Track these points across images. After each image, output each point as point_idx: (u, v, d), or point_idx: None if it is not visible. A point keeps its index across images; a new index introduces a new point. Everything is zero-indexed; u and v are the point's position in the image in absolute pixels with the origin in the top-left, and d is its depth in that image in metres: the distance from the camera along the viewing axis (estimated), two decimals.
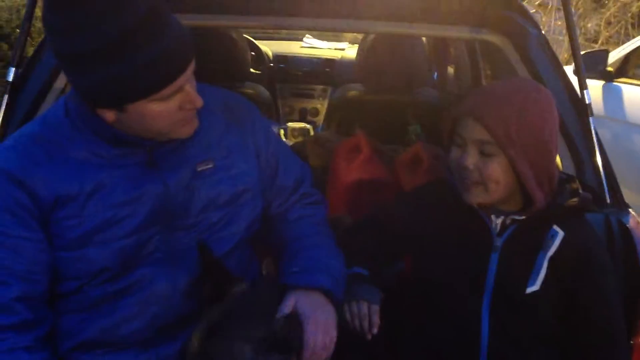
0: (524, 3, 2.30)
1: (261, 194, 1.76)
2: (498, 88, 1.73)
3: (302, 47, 5.11)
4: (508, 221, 1.71)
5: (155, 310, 1.60)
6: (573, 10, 2.21)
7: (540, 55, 2.17)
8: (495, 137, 1.60)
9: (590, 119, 2.09)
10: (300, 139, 3.34)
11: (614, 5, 9.68)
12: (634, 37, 5.50)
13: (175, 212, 1.60)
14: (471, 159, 1.65)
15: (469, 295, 1.71)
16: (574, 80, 2.18)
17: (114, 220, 1.55)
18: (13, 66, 2.13)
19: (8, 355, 1.48)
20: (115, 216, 1.55)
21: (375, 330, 1.65)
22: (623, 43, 5.39)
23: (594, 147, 2.07)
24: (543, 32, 2.26)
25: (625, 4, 9.62)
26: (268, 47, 4.71)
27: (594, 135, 2.08)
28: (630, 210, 2.01)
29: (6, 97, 2.10)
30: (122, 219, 1.55)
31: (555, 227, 1.68)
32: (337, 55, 4.87)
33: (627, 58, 4.76)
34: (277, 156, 1.80)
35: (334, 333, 1.57)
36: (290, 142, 3.14)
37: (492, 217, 1.72)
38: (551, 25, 9.48)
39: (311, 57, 4.80)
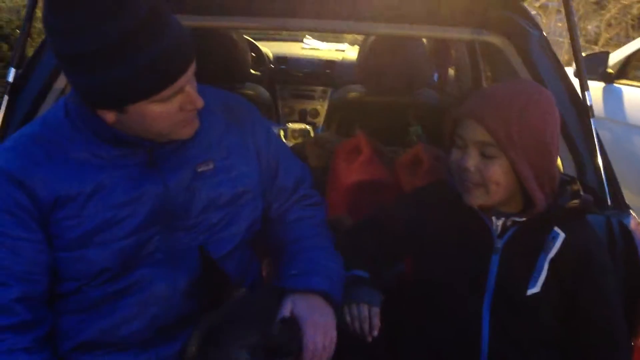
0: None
1: (262, 195, 1.75)
2: (499, 90, 1.73)
3: (302, 48, 5.11)
4: (509, 223, 1.71)
5: (155, 311, 1.60)
6: (573, 11, 2.21)
7: (541, 57, 2.17)
8: (496, 139, 1.60)
9: (592, 120, 2.09)
10: (300, 140, 3.34)
11: (614, 7, 9.69)
12: (634, 38, 5.50)
13: (175, 213, 1.60)
14: (472, 161, 1.64)
15: (469, 296, 1.71)
16: (575, 81, 2.18)
17: (113, 220, 1.54)
18: (13, 67, 2.13)
19: (7, 356, 1.47)
20: (115, 217, 1.54)
21: (375, 333, 1.64)
22: (623, 45, 5.39)
23: (595, 148, 2.07)
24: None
25: (625, 6, 9.64)
26: (268, 48, 4.71)
27: (595, 137, 2.07)
28: (631, 211, 2.01)
29: (6, 97, 2.10)
30: (122, 220, 1.55)
31: (556, 228, 1.68)
32: (337, 56, 4.87)
33: (627, 60, 4.77)
34: (278, 157, 1.80)
35: (333, 334, 1.57)
36: (290, 143, 3.13)
37: (493, 218, 1.72)
38: (551, 26, 9.49)
39: (311, 58, 4.80)
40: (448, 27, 2.27)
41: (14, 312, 1.50)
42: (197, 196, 1.62)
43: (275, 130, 3.20)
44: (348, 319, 1.66)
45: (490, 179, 1.64)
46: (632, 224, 1.94)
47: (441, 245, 1.77)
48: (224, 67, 3.30)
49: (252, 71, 4.06)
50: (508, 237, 1.71)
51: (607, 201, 2.01)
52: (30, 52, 2.43)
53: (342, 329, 1.62)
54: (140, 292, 1.58)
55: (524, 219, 1.69)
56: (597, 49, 8.81)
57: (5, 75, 2.14)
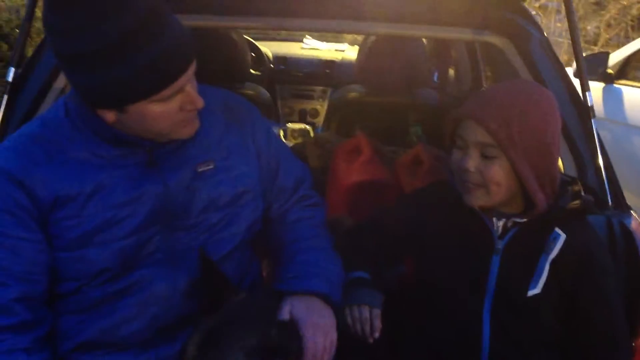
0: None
1: (262, 195, 1.75)
2: (500, 90, 1.73)
3: (302, 48, 5.11)
4: (509, 224, 1.71)
5: (154, 311, 1.60)
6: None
7: (542, 57, 2.17)
8: (497, 140, 1.59)
9: (592, 121, 2.09)
10: (299, 140, 3.34)
11: (614, 8, 9.69)
12: (633, 39, 5.50)
13: (175, 213, 1.60)
14: (472, 162, 1.64)
15: (470, 297, 1.71)
16: (575, 82, 2.18)
17: (113, 220, 1.54)
18: (13, 66, 2.12)
19: (7, 356, 1.47)
20: (115, 216, 1.54)
21: (377, 335, 1.64)
22: (623, 45, 5.39)
23: (596, 149, 2.07)
24: None
25: (625, 6, 9.64)
26: (268, 48, 4.70)
27: (596, 138, 2.07)
28: (632, 212, 2.01)
29: (6, 97, 2.10)
30: (122, 220, 1.55)
31: (557, 229, 1.67)
32: (337, 56, 4.87)
33: (627, 60, 4.76)
34: (278, 157, 1.80)
35: (333, 335, 1.56)
36: (289, 143, 3.13)
37: (494, 219, 1.72)
38: (550, 27, 9.49)
39: (311, 58, 4.80)
40: (449, 27, 2.27)
41: (13, 312, 1.50)
42: (197, 196, 1.62)
43: (275, 130, 3.20)
44: (349, 320, 1.66)
45: (491, 179, 1.63)
46: (633, 225, 1.94)
47: (442, 246, 1.77)
48: (223, 67, 3.30)
49: (252, 71, 4.06)
50: (509, 238, 1.70)
51: (607, 202, 2.01)
52: (29, 51, 2.43)
53: (343, 330, 1.61)
54: (140, 292, 1.58)
55: (524, 219, 1.69)
56: (596, 49, 8.81)
57: (5, 75, 2.14)
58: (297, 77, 4.65)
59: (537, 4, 9.44)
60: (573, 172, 2.06)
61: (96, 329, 1.58)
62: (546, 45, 2.20)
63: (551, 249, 1.65)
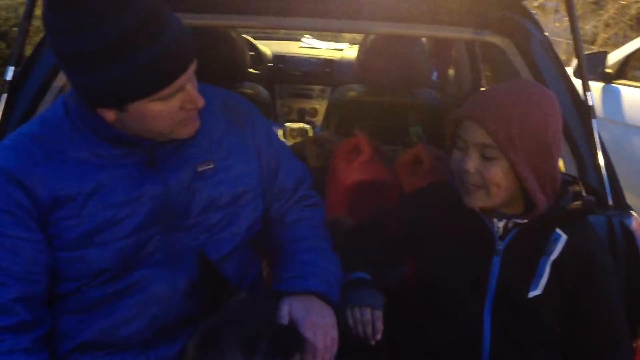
0: None
1: (262, 195, 1.75)
2: (500, 91, 1.72)
3: (301, 47, 5.10)
4: (510, 224, 1.70)
5: (154, 311, 1.59)
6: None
7: (542, 57, 2.17)
8: (497, 141, 1.59)
9: (593, 120, 2.08)
10: (298, 139, 3.33)
11: (612, 7, 9.70)
12: (632, 39, 5.50)
13: (175, 213, 1.59)
14: (472, 163, 1.63)
15: (470, 298, 1.70)
16: (574, 82, 2.18)
17: (113, 220, 1.54)
18: (12, 65, 2.12)
19: (7, 357, 1.47)
20: (115, 216, 1.54)
21: (379, 336, 1.63)
22: (621, 45, 5.39)
23: (597, 149, 2.06)
24: None
25: (623, 6, 9.65)
26: (267, 47, 4.70)
27: (596, 138, 2.07)
28: (632, 212, 2.01)
29: (5, 96, 2.09)
30: (122, 219, 1.54)
31: (558, 230, 1.66)
32: (336, 55, 4.87)
33: (626, 60, 4.76)
34: (278, 157, 1.80)
35: (334, 334, 1.56)
36: (288, 143, 3.13)
37: (494, 220, 1.71)
38: (549, 26, 9.50)
39: (310, 58, 4.79)
40: (449, 26, 2.26)
41: (13, 313, 1.49)
42: (197, 196, 1.61)
43: (274, 130, 3.20)
44: (350, 322, 1.65)
45: (491, 181, 1.63)
46: (634, 225, 1.94)
47: (442, 247, 1.76)
48: (222, 66, 3.29)
49: (251, 70, 4.06)
50: (509, 239, 1.70)
51: (608, 202, 2.00)
52: (28, 50, 2.42)
53: (345, 332, 1.61)
54: (140, 292, 1.58)
55: (525, 220, 1.68)
56: (595, 49, 8.81)
57: (4, 74, 2.13)
58: (296, 76, 4.65)
59: (535, 4, 9.44)
60: (573, 172, 2.06)
61: (96, 329, 1.58)
62: (547, 44, 2.20)
63: (552, 250, 1.65)
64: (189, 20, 2.11)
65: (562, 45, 8.53)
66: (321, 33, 5.18)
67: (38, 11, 1.96)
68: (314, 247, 1.74)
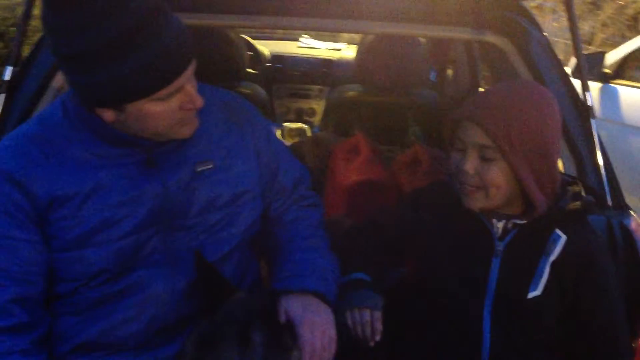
0: None
1: (261, 195, 1.74)
2: (499, 91, 1.71)
3: (299, 47, 5.10)
4: (509, 225, 1.70)
5: (153, 312, 1.59)
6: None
7: (542, 57, 2.17)
8: (496, 142, 1.58)
9: (592, 121, 2.08)
10: (297, 139, 3.34)
11: (610, 7, 9.70)
12: (629, 39, 5.50)
13: (174, 213, 1.59)
14: (471, 164, 1.63)
15: (470, 299, 1.70)
16: (573, 82, 2.18)
17: (112, 220, 1.53)
18: (10, 65, 2.11)
19: (5, 358, 1.46)
20: (114, 216, 1.53)
21: (378, 338, 1.63)
22: (618, 45, 5.39)
23: (596, 149, 2.06)
24: None
25: (621, 6, 9.65)
26: (265, 47, 4.70)
27: (595, 138, 2.07)
28: (631, 212, 2.00)
29: (3, 95, 2.09)
30: (121, 220, 1.54)
31: (557, 231, 1.66)
32: (334, 55, 4.86)
33: (624, 60, 4.77)
34: (277, 157, 1.79)
35: (332, 333, 1.56)
36: (287, 143, 3.12)
37: (493, 220, 1.71)
38: (546, 27, 9.50)
39: (309, 57, 4.78)
40: (448, 26, 2.26)
41: (10, 314, 1.49)
42: (196, 196, 1.61)
43: (273, 130, 3.20)
44: (350, 323, 1.65)
45: (490, 182, 1.62)
46: (633, 225, 1.94)
47: (441, 248, 1.76)
48: (220, 66, 3.29)
49: (249, 70, 4.05)
50: (509, 240, 1.69)
51: (607, 202, 2.00)
52: (26, 50, 2.42)
53: (344, 332, 1.60)
54: (138, 293, 1.57)
55: (524, 221, 1.68)
56: (592, 49, 8.82)
57: (2, 74, 2.12)
58: (294, 76, 4.64)
59: (533, 4, 9.44)
60: (573, 172, 2.06)
61: (94, 330, 1.57)
62: (546, 44, 2.20)
63: (552, 251, 1.65)
64: (187, 20, 2.09)
65: (560, 45, 8.54)
66: (319, 33, 5.17)
67: (36, 11, 1.95)
68: (312, 247, 1.74)
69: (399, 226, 1.85)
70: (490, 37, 2.23)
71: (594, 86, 4.72)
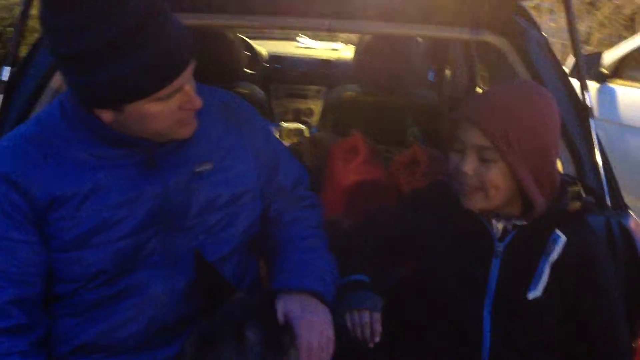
0: None
1: (261, 195, 1.74)
2: (497, 92, 1.71)
3: (297, 47, 5.10)
4: (509, 226, 1.69)
5: (153, 313, 1.59)
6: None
7: (540, 56, 2.17)
8: (494, 143, 1.57)
9: (591, 120, 2.08)
10: (294, 139, 3.33)
11: (607, 7, 9.71)
12: (626, 39, 5.50)
13: (174, 213, 1.59)
14: (470, 165, 1.62)
15: (470, 300, 1.70)
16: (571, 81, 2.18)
17: (111, 221, 1.53)
18: (7, 65, 2.11)
19: (3, 359, 1.46)
20: (113, 217, 1.53)
21: (377, 339, 1.63)
22: (615, 45, 5.40)
23: (594, 149, 2.06)
24: None
25: (618, 6, 9.66)
26: (263, 47, 4.69)
27: (594, 137, 2.06)
28: (630, 211, 2.00)
29: (0, 96, 2.08)
30: (120, 220, 1.54)
31: (557, 231, 1.65)
32: (332, 55, 4.86)
33: (621, 60, 4.77)
34: (277, 157, 1.79)
35: (329, 333, 1.55)
36: (285, 143, 3.12)
37: (493, 221, 1.70)
38: (543, 27, 9.49)
39: (306, 58, 4.79)
40: (446, 26, 2.26)
41: (9, 315, 1.49)
42: (196, 197, 1.61)
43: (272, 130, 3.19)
44: (349, 325, 1.65)
45: (489, 183, 1.62)
46: (632, 224, 1.93)
47: (441, 248, 1.75)
48: (217, 66, 3.28)
49: (247, 70, 4.05)
50: (508, 240, 1.69)
51: (606, 201, 2.00)
52: (23, 50, 2.41)
53: (344, 334, 1.60)
54: (137, 294, 1.57)
55: (524, 222, 1.68)
56: (589, 49, 8.82)
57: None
58: (292, 76, 4.64)
59: (531, 4, 9.44)
60: (571, 172, 2.06)
61: (94, 331, 1.57)
62: (544, 44, 2.20)
63: (551, 251, 1.64)
64: (185, 20, 2.09)
65: (557, 45, 8.54)
66: (316, 33, 5.17)
67: (34, 11, 1.95)
68: (310, 247, 1.74)
69: (399, 227, 1.85)
70: (489, 37, 2.23)
71: (591, 86, 4.71)
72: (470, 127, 1.61)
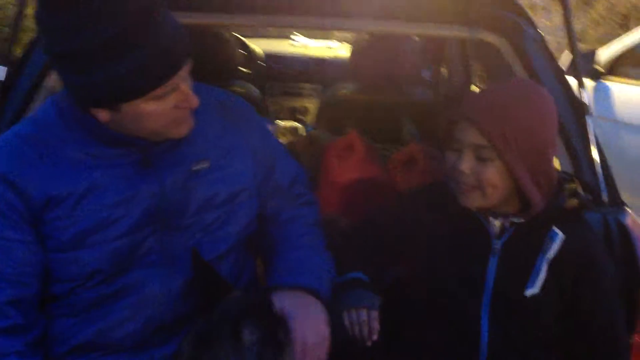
0: None
1: (257, 194, 1.73)
2: (495, 91, 1.71)
3: (292, 45, 5.09)
4: (507, 224, 1.69)
5: (150, 313, 1.58)
6: (561, 9, 2.20)
7: (536, 54, 2.16)
8: (491, 142, 1.57)
9: (588, 117, 2.08)
10: (290, 137, 3.33)
11: (602, 5, 9.72)
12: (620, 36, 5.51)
13: (171, 212, 1.58)
14: (467, 164, 1.62)
15: (468, 298, 1.70)
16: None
17: (108, 220, 1.53)
18: (2, 64, 2.10)
19: None
20: (110, 217, 1.53)
21: (375, 337, 1.63)
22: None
23: (591, 146, 2.06)
24: None
25: (613, 4, 9.67)
26: (259, 46, 4.68)
27: (591, 135, 2.07)
28: (626, 208, 2.01)
29: None
30: (117, 220, 1.53)
31: (554, 228, 1.65)
32: (327, 54, 4.86)
33: (616, 57, 4.78)
34: (274, 155, 1.79)
35: (325, 330, 1.56)
36: (281, 141, 3.12)
37: (490, 219, 1.70)
38: (538, 25, 9.49)
39: (302, 56, 4.78)
40: (442, 24, 2.25)
41: (5, 316, 1.48)
42: (193, 195, 1.60)
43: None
44: (347, 323, 1.65)
45: (486, 182, 1.62)
46: (629, 221, 1.94)
47: (439, 247, 1.75)
48: (213, 65, 3.27)
49: (242, 69, 4.04)
50: (506, 238, 1.69)
51: (603, 198, 2.00)
52: (17, 49, 2.40)
53: (341, 332, 1.60)
54: (134, 294, 1.57)
55: (522, 220, 1.68)
56: (584, 47, 8.83)
57: None
58: (288, 74, 4.63)
59: (525, 2, 9.45)
60: (568, 169, 2.06)
61: (91, 331, 1.56)
62: (541, 42, 2.20)
63: (549, 249, 1.64)
64: (180, 19, 2.09)
65: (552, 43, 8.55)
66: (311, 31, 5.17)
67: (29, 10, 1.94)
68: (306, 245, 1.74)
69: (397, 226, 1.84)
70: (485, 35, 2.23)
71: (587, 84, 4.72)
72: (467, 126, 1.61)
